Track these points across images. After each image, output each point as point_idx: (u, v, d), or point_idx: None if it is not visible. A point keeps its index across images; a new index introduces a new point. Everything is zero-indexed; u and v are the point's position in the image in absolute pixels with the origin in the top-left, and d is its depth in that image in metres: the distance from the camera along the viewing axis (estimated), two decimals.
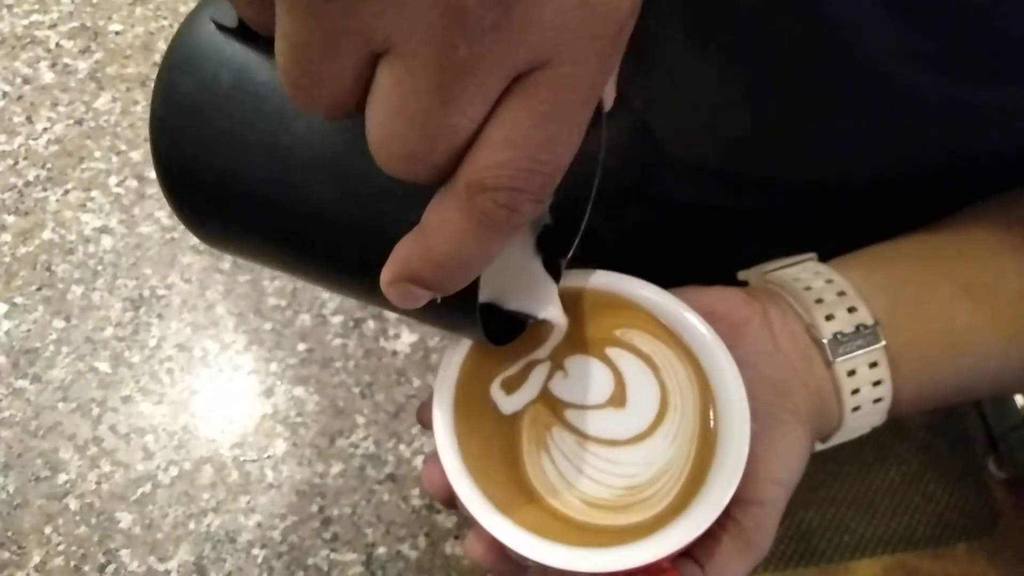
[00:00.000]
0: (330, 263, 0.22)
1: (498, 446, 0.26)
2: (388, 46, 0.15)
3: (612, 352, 0.28)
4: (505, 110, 0.16)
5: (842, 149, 0.36)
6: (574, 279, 0.28)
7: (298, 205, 0.21)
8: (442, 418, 0.26)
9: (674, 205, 0.46)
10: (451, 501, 0.26)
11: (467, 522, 0.30)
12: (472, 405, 0.26)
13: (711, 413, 0.27)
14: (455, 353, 0.26)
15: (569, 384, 0.27)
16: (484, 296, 0.27)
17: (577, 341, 0.28)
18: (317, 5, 0.15)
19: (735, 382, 0.26)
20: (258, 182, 0.21)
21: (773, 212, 0.41)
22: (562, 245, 0.28)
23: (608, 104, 0.22)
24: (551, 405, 0.27)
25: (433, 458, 0.27)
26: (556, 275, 0.27)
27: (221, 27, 0.20)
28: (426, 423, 0.28)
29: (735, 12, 0.33)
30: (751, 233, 0.41)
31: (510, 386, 0.27)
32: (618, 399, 0.27)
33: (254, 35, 0.18)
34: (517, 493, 0.25)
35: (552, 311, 0.27)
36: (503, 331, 0.26)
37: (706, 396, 0.27)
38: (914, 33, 0.28)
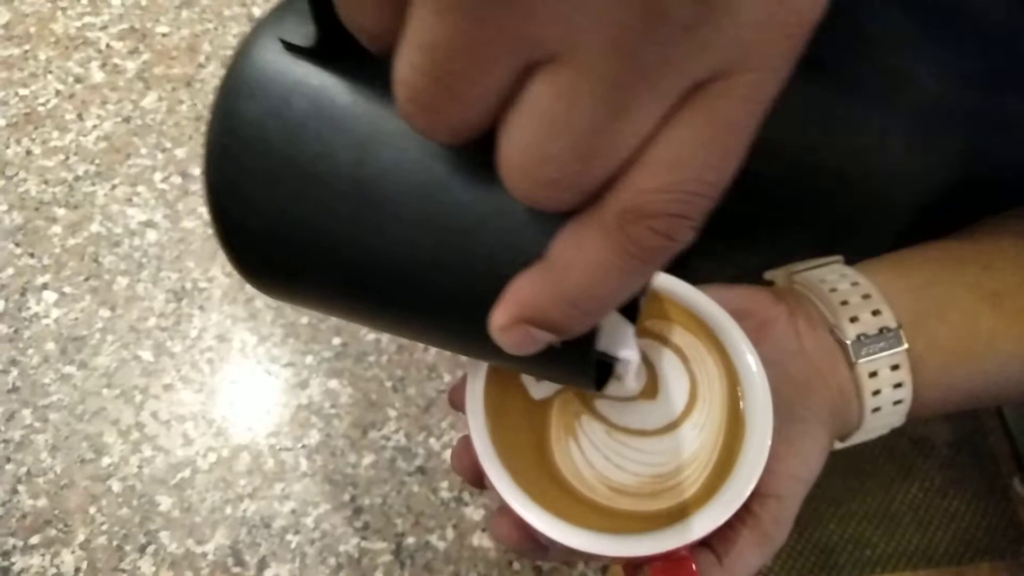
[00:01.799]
0: (422, 310, 0.19)
1: (527, 430, 0.27)
2: (555, 54, 0.13)
3: (644, 344, 0.29)
4: (676, 125, 0.14)
5: (869, 155, 0.36)
6: None
7: (385, 244, 0.18)
8: (474, 401, 0.27)
9: None
10: (479, 481, 0.28)
11: (494, 505, 0.30)
12: (503, 390, 0.27)
13: (738, 405, 0.28)
14: None
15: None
16: None
17: None
18: (481, 8, 0.12)
19: (760, 378, 0.27)
20: (338, 220, 0.18)
21: (796, 216, 0.42)
22: None
23: None
24: (581, 394, 0.28)
25: (464, 439, 0.28)
26: (632, 316, 0.26)
27: (291, 47, 0.18)
28: (457, 405, 0.29)
29: None
30: (774, 236, 0.42)
31: None
32: (650, 391, 0.28)
33: (332, 55, 0.17)
34: (544, 476, 0.26)
35: (629, 352, 0.26)
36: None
37: (733, 389, 0.28)
38: (944, 47, 0.29)
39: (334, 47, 0.17)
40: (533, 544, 0.27)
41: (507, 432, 0.27)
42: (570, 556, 0.30)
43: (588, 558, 0.27)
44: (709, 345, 0.28)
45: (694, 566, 0.26)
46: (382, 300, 0.19)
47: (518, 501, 0.25)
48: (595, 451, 0.27)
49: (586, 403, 0.28)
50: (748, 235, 0.43)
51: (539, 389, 0.28)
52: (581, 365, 0.19)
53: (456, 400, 0.29)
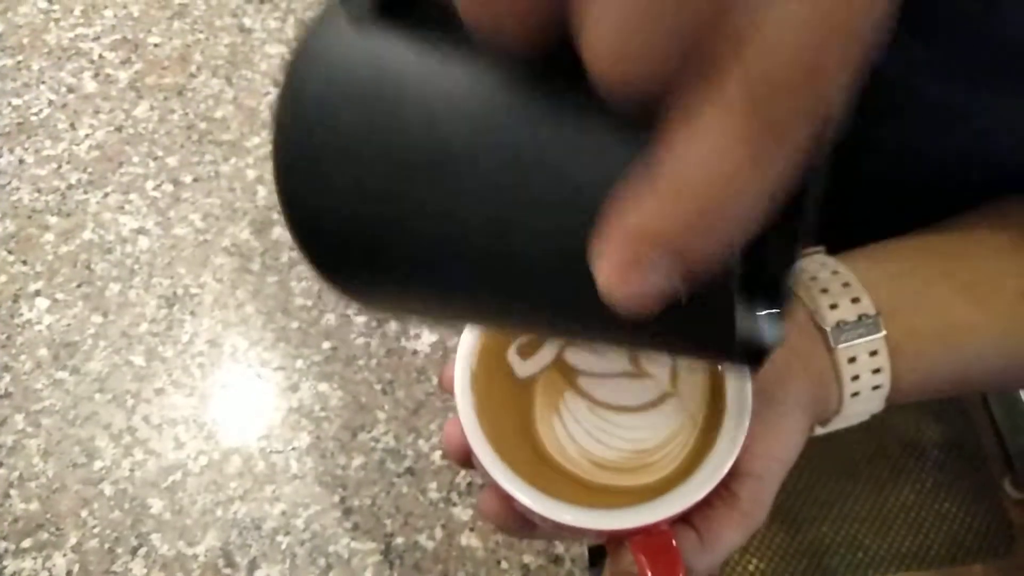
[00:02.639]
0: (517, 277, 0.17)
1: (513, 407, 0.28)
2: None
3: None
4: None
5: (842, 153, 0.37)
6: None
7: (470, 197, 0.16)
8: (461, 381, 0.27)
9: None
10: (466, 460, 0.28)
11: (483, 482, 0.30)
12: (490, 368, 0.28)
13: (718, 386, 0.28)
14: None
15: (584, 353, 0.29)
16: None
17: None
18: None
19: None
20: (414, 182, 0.16)
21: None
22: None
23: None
24: (565, 372, 0.28)
25: (454, 420, 0.28)
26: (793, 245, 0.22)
27: (352, 17, 0.17)
28: (448, 387, 0.30)
29: None
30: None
31: (525, 352, 0.29)
32: (632, 369, 0.29)
33: (394, 18, 0.16)
34: (529, 452, 0.27)
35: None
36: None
37: (714, 369, 0.29)
38: (915, 41, 0.30)
39: (397, 11, 0.16)
40: (520, 521, 0.28)
41: (493, 410, 0.27)
42: (556, 533, 0.30)
43: (573, 533, 0.27)
44: None
45: (674, 541, 0.27)
46: (476, 270, 0.17)
47: (504, 476, 0.26)
48: (578, 427, 0.27)
49: (569, 380, 0.28)
50: None
51: (524, 367, 0.28)
52: (723, 318, 0.15)
53: (447, 383, 0.30)
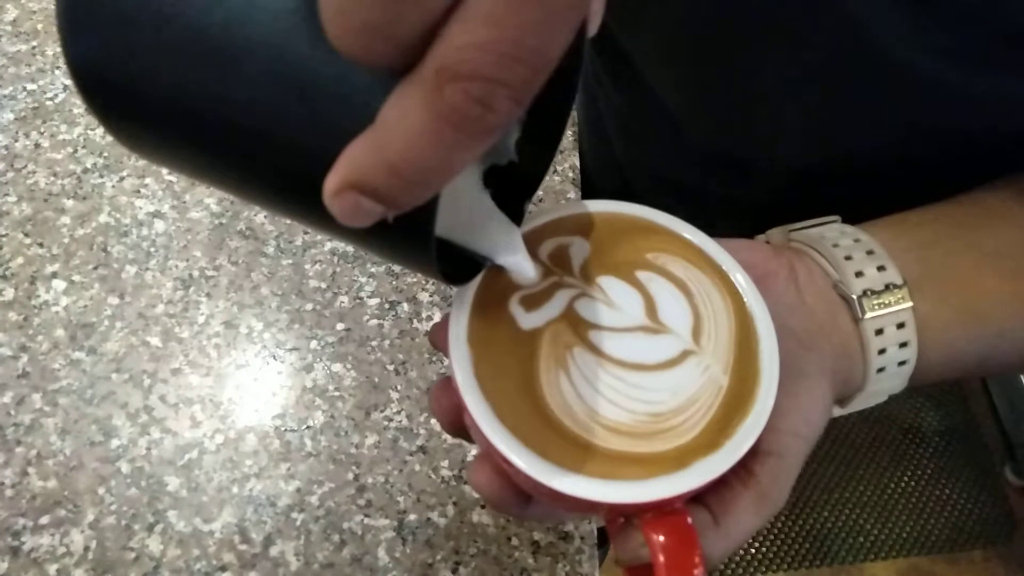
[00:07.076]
0: (267, 171, 0.19)
1: (514, 362, 0.25)
2: None
3: (643, 275, 0.27)
4: None
5: (847, 129, 0.37)
6: (610, 206, 0.28)
7: (231, 98, 0.17)
8: (457, 331, 0.25)
9: (688, 191, 0.48)
10: (456, 423, 0.26)
11: (476, 449, 0.28)
12: (489, 318, 0.25)
13: (749, 348, 0.26)
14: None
15: (595, 305, 0.26)
16: (440, 229, 0.24)
17: (607, 263, 0.27)
18: None
19: (768, 323, 0.26)
20: (184, 67, 0.18)
21: (775, 198, 0.43)
22: (526, 187, 0.26)
23: (593, 29, 0.20)
24: (573, 324, 0.26)
25: (444, 380, 0.27)
26: (519, 218, 0.26)
27: None
28: (438, 344, 0.27)
29: (750, 3, 0.35)
30: (754, 218, 0.43)
31: (531, 303, 0.26)
32: (647, 324, 0.26)
33: None
34: (530, 411, 0.24)
35: (513, 259, 0.25)
36: (461, 269, 0.25)
37: (743, 330, 0.26)
38: (920, 22, 0.30)
39: None
40: (514, 494, 0.26)
41: (492, 363, 0.24)
42: (552, 510, 0.27)
43: (571, 507, 0.24)
44: (717, 283, 0.27)
45: (690, 519, 0.24)
46: (231, 159, 0.19)
47: (497, 434, 0.23)
48: (586, 384, 0.24)
49: (579, 334, 0.25)
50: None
51: (528, 319, 0.26)
52: (419, 247, 0.18)
53: (437, 339, 0.27)
